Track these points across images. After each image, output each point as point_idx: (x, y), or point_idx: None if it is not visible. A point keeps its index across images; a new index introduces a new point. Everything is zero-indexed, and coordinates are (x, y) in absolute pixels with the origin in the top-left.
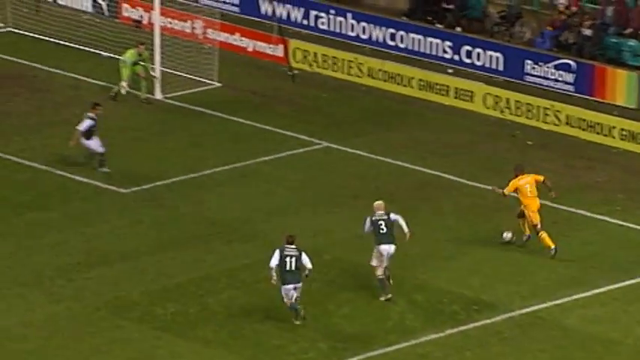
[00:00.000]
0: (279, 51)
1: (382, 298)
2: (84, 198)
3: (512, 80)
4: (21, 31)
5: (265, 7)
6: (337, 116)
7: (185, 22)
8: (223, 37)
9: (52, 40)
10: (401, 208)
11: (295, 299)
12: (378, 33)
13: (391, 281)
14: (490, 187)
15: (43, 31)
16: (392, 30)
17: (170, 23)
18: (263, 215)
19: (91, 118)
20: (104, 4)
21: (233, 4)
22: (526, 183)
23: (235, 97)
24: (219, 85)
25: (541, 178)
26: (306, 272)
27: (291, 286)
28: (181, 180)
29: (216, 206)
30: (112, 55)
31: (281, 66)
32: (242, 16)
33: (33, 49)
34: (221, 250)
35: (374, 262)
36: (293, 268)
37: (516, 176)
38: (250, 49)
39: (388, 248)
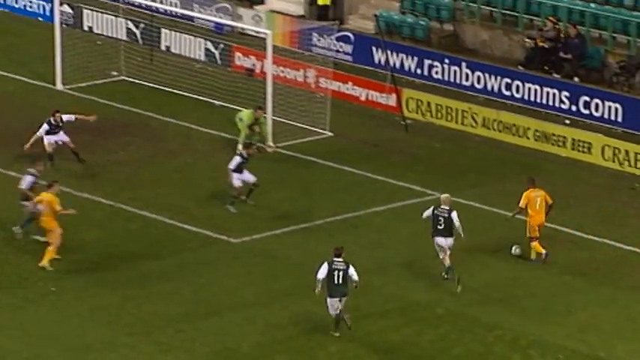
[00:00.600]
0: (392, 100)
1: (445, 275)
2: (194, 247)
3: (632, 132)
4: (134, 80)
5: (379, 56)
6: (451, 167)
7: (297, 71)
8: (336, 85)
9: (165, 88)
10: (516, 260)
11: (339, 310)
12: (493, 82)
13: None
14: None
15: (156, 80)
16: (507, 79)
17: (282, 72)
18: (374, 267)
19: (242, 157)
20: (217, 53)
21: (346, 53)
22: (537, 196)
23: (347, 146)
24: (330, 134)
25: (550, 200)
26: (354, 284)
27: (336, 299)
28: (292, 230)
29: (326, 257)
30: (224, 104)
31: (394, 115)
32: (355, 64)
33: (146, 98)
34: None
35: (441, 256)
36: (340, 281)
37: (528, 188)
38: (363, 98)
39: (445, 241)
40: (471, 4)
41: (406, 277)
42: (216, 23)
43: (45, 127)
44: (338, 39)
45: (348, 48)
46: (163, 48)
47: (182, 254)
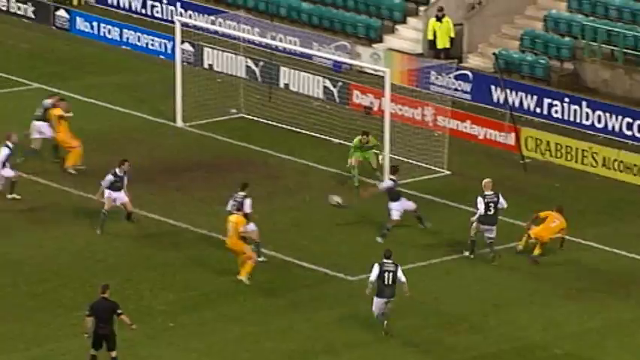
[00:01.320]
0: (510, 139)
1: (468, 254)
2: (310, 285)
3: None
4: (253, 117)
5: (497, 95)
6: (570, 206)
7: (415, 109)
8: (454, 124)
9: (283, 126)
10: (636, 302)
11: (384, 313)
12: (614, 122)
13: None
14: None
15: (274, 117)
16: (628, 119)
17: (400, 110)
18: (489, 305)
19: (392, 182)
20: (335, 91)
21: (464, 92)
22: (555, 219)
23: (465, 185)
24: (448, 172)
25: (563, 233)
26: (405, 292)
27: (384, 299)
28: (410, 268)
29: (444, 296)
30: (342, 141)
31: (512, 154)
32: (473, 103)
33: (264, 135)
34: (448, 342)
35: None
36: (390, 282)
37: (555, 211)
38: (481, 137)
39: (489, 229)
40: (591, 42)
41: (522, 317)
42: (335, 61)
43: (109, 177)
44: (456, 77)
45: (467, 86)
46: (282, 86)
47: (299, 291)
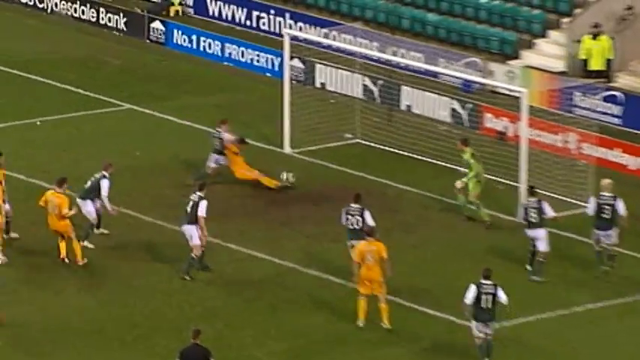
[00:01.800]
0: None
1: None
2: (436, 333)
3: None
4: (370, 143)
5: None
6: None
7: (556, 135)
8: (601, 152)
9: (404, 152)
10: None
11: (486, 340)
12: None
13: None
14: None
15: (394, 143)
16: None
17: (538, 136)
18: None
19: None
20: (464, 113)
21: (614, 115)
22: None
23: None
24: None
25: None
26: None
27: (483, 323)
28: (547, 317)
29: (582, 346)
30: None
31: None
32: (624, 128)
33: (383, 163)
34: None
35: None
36: (489, 305)
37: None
38: (632, 167)
39: (604, 235)
40: None
41: None
42: (465, 80)
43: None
44: (605, 99)
45: (617, 109)
46: (403, 107)
47: (423, 340)
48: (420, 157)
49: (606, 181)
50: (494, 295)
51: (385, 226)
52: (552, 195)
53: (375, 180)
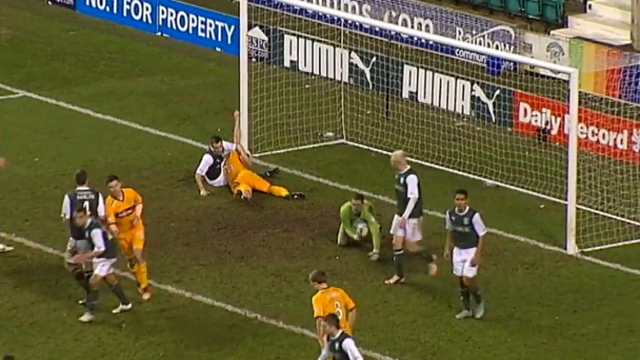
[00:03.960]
0: None
1: None
2: None
3: None
4: (358, 145)
5: None
6: None
7: (618, 133)
8: None
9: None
10: None
11: None
12: None
13: None
14: None
15: (392, 144)
16: None
17: (594, 133)
18: None
19: None
20: (490, 103)
21: None
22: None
23: None
24: None
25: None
26: None
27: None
28: None
29: None
30: (499, 182)
31: None
32: None
33: (376, 172)
34: None
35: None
36: None
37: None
38: None
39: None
40: None
41: None
42: (490, 57)
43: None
44: None
45: None
46: (406, 95)
47: None
48: (428, 164)
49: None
50: None
51: (378, 263)
52: (613, 217)
53: (365, 196)
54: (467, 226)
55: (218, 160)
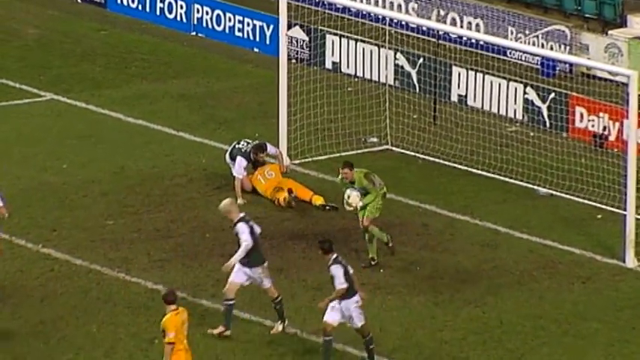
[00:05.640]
0: None
1: None
2: None
3: None
4: (404, 150)
5: None
6: None
7: None
8: None
9: (455, 165)
10: None
11: None
12: None
13: None
14: None
15: (439, 151)
16: None
17: None
18: None
19: None
20: (544, 107)
21: None
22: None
23: None
24: None
25: None
26: None
27: None
28: None
29: None
30: (554, 191)
31: None
32: None
33: (423, 180)
34: None
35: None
36: None
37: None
38: None
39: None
40: None
41: None
42: (545, 58)
43: None
44: None
45: None
46: (454, 99)
47: None
48: (478, 172)
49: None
50: None
51: (424, 276)
52: None
53: (412, 205)
54: None
55: (250, 165)
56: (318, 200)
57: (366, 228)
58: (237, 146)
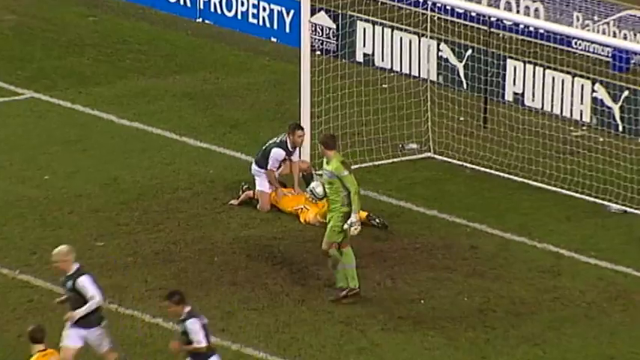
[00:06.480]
0: None
1: None
2: None
3: None
4: (449, 159)
5: None
6: None
7: None
8: None
9: (510, 177)
10: None
11: None
12: None
13: None
14: None
15: (491, 160)
16: None
17: None
18: None
19: None
20: (616, 108)
21: None
22: None
23: None
24: None
25: None
26: None
27: None
28: None
29: None
30: (628, 208)
31: None
32: None
33: (472, 193)
34: None
35: None
36: None
37: None
38: None
39: None
40: None
41: None
42: (617, 49)
43: None
44: None
45: None
46: (509, 98)
47: None
48: (537, 184)
49: None
50: None
51: (473, 308)
52: None
53: (458, 223)
54: None
55: (287, 156)
56: (362, 215)
57: (326, 252)
58: (268, 142)
